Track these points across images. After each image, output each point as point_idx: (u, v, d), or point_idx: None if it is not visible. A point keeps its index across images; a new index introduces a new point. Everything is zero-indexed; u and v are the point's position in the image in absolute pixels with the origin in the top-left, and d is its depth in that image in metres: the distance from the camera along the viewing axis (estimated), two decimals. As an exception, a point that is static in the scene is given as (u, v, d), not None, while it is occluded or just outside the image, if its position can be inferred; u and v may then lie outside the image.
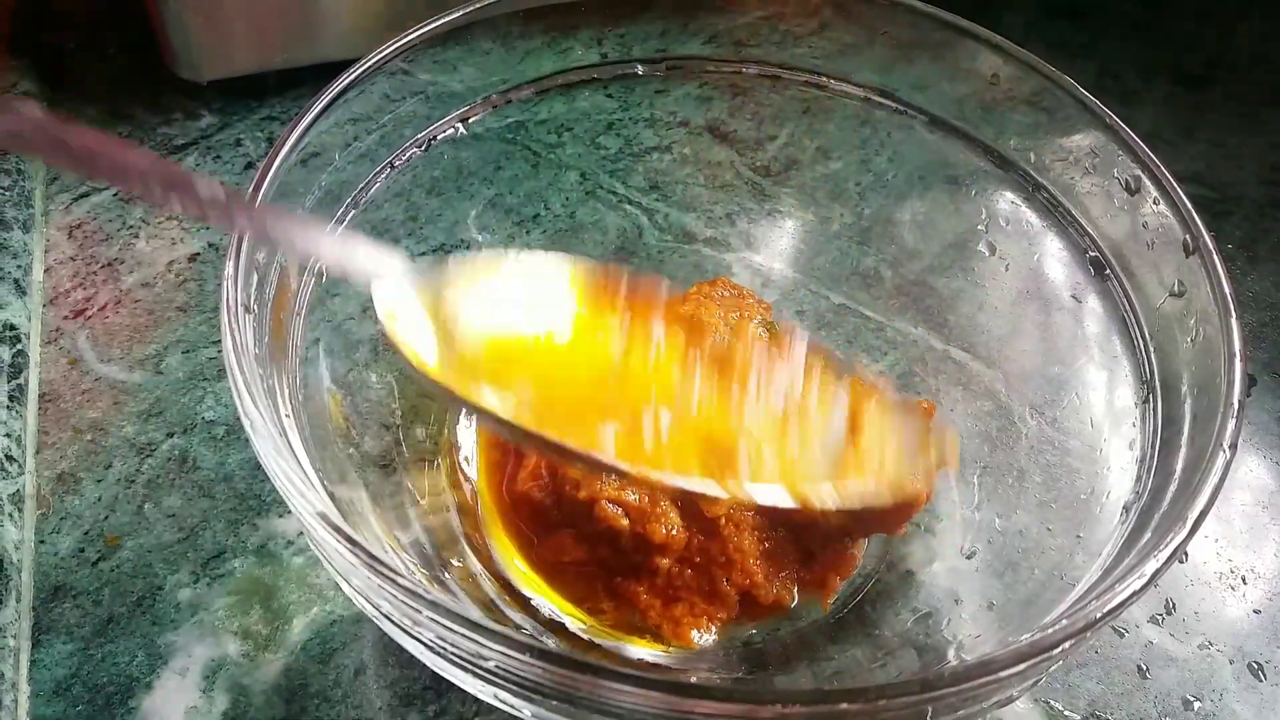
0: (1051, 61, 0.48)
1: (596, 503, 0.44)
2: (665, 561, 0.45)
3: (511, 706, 0.33)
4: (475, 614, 0.41)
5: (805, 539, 0.46)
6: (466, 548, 0.47)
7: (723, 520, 0.45)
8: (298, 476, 0.33)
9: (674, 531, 0.44)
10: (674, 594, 0.45)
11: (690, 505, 0.45)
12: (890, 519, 0.45)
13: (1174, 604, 0.49)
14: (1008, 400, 0.49)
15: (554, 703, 0.31)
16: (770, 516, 0.46)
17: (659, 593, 0.45)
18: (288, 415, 0.38)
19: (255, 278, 0.40)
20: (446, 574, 0.44)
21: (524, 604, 0.45)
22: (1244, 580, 0.50)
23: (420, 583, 0.30)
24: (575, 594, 0.46)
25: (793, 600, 0.45)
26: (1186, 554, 0.50)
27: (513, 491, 0.48)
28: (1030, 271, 0.50)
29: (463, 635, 0.29)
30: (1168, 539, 0.32)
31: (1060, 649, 0.30)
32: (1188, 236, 0.41)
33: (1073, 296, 0.47)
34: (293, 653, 0.45)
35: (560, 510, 0.46)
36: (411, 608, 0.30)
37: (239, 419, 0.52)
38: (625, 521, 0.44)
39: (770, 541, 0.46)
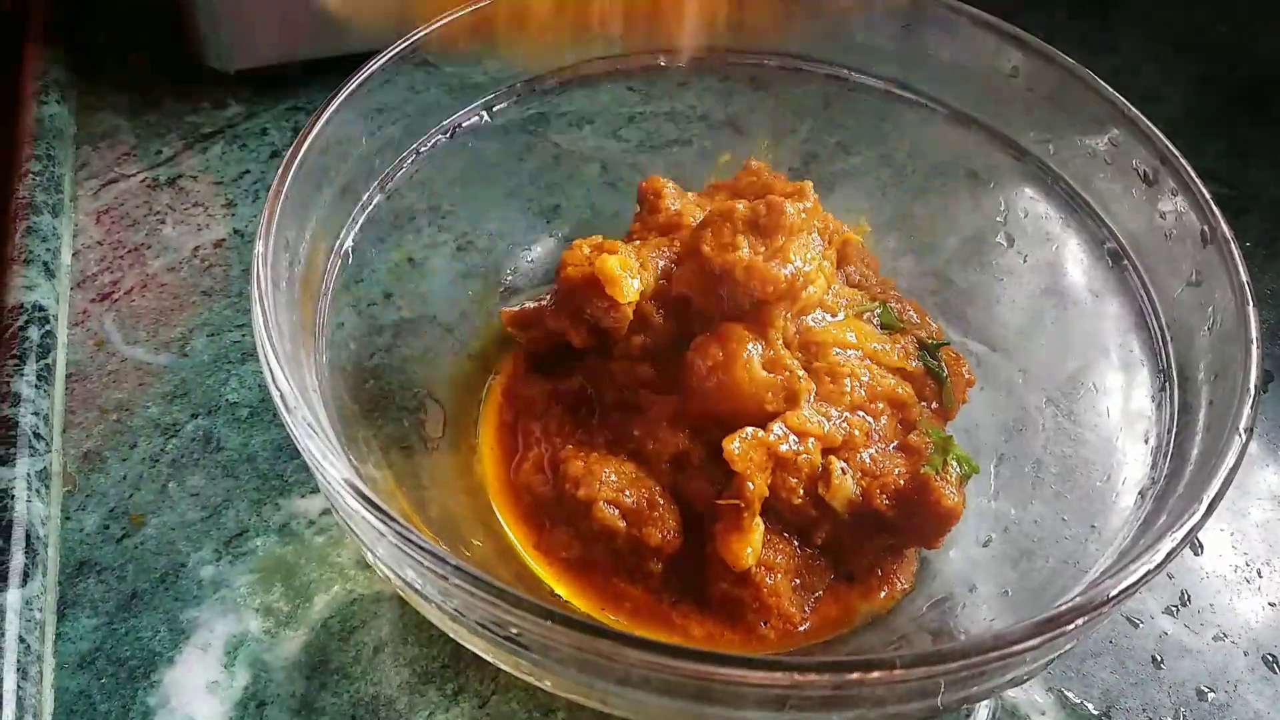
0: (1072, 58, 0.48)
1: (594, 504, 0.43)
2: (659, 566, 0.45)
3: (531, 675, 0.33)
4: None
5: (846, 562, 0.46)
6: (483, 533, 0.47)
7: (756, 567, 0.43)
8: (326, 445, 0.33)
9: (669, 536, 0.44)
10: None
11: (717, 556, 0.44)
12: (929, 533, 0.44)
13: (1189, 596, 0.49)
14: (1025, 392, 0.49)
15: (574, 671, 0.31)
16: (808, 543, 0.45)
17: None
18: (314, 390, 0.39)
19: (286, 256, 0.40)
20: (466, 554, 0.45)
21: (538, 591, 0.46)
22: (1259, 574, 0.50)
23: (444, 549, 0.31)
24: (577, 589, 0.46)
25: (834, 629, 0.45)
26: (1202, 547, 0.51)
27: (518, 481, 0.48)
28: (1048, 263, 0.50)
29: (487, 601, 0.30)
30: (1182, 520, 0.33)
31: (1074, 625, 0.30)
32: (1205, 226, 0.41)
33: (1090, 288, 0.47)
34: (313, 630, 0.46)
35: (560, 506, 0.46)
36: (438, 574, 0.30)
37: (263, 401, 0.53)
38: (622, 524, 0.44)
39: (803, 576, 0.45)
